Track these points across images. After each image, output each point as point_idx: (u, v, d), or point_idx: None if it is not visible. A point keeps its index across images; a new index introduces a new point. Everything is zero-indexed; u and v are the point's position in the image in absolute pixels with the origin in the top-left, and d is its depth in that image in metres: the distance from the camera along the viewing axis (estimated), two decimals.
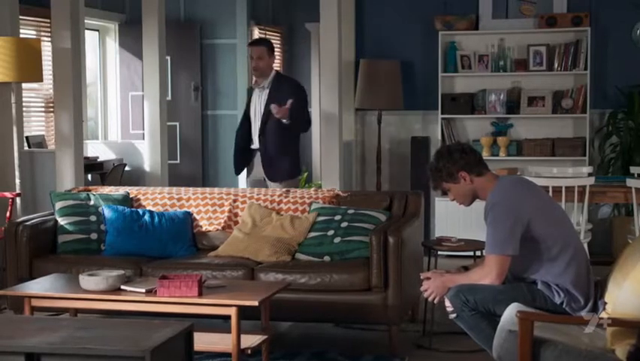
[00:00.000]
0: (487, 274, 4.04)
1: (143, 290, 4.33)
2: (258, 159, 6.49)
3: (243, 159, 6.60)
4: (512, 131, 8.25)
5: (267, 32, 10.15)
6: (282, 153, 6.43)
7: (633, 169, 6.88)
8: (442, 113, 8.17)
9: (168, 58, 8.78)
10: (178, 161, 9.52)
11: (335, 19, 7.67)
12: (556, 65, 8.02)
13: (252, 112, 6.50)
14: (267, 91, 6.40)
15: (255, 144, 6.48)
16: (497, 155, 8.02)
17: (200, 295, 4.25)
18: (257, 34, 9.85)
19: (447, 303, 4.10)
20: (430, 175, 4.28)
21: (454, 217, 7.69)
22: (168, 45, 8.34)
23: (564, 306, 4.00)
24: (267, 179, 6.47)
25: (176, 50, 9.28)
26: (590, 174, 6.80)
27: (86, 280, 4.37)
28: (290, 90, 6.41)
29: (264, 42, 6.67)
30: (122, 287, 4.38)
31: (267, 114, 6.34)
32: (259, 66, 6.41)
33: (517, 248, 3.99)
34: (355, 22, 8.48)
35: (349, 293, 5.00)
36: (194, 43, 9.52)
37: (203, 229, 5.75)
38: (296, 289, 4.95)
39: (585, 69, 7.89)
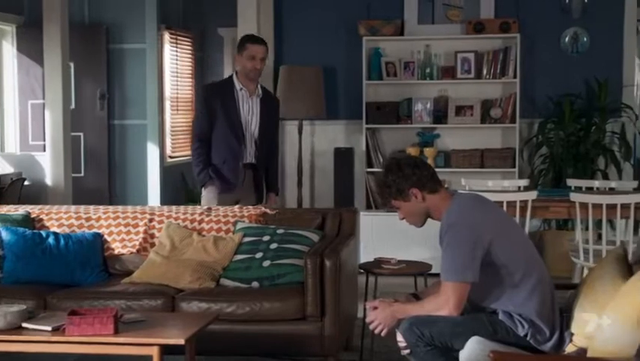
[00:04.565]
0: (443, 304, 3.61)
1: (49, 328, 3.78)
2: (248, 178, 5.67)
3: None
4: (439, 142, 7.91)
5: (178, 37, 9.61)
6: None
7: (570, 182, 6.59)
8: (366, 123, 7.78)
9: (72, 63, 8.24)
10: (82, 174, 8.94)
11: (254, 23, 7.35)
12: (484, 73, 7.71)
13: (243, 120, 5.59)
14: (258, 100, 5.65)
15: (248, 159, 5.63)
16: None
17: (116, 332, 3.72)
18: (167, 39, 9.29)
19: (399, 338, 3.66)
20: (377, 191, 3.85)
21: (380, 233, 7.30)
22: (72, 50, 7.93)
23: (528, 338, 3.60)
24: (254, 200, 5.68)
25: (80, 54, 8.72)
26: (526, 187, 6.50)
27: None
28: (276, 104, 5.88)
29: (265, 41, 5.83)
30: (24, 325, 3.83)
31: (263, 127, 5.64)
32: (261, 69, 5.63)
33: (477, 274, 3.58)
34: (274, 27, 8.01)
35: (282, 323, 4.55)
36: (99, 47, 8.95)
37: (116, 252, 5.18)
38: (222, 320, 4.43)
39: (515, 77, 7.60)
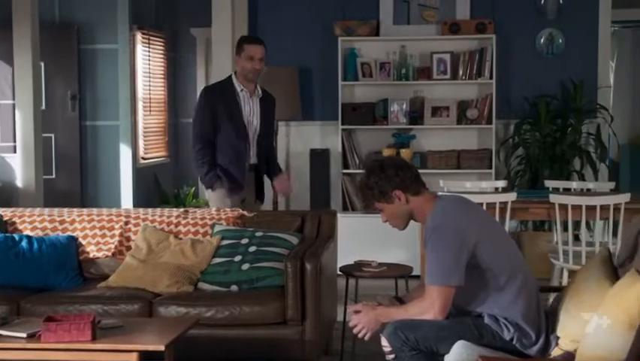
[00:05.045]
0: (428, 308, 3.55)
1: (24, 335, 3.69)
2: (250, 178, 5.66)
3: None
4: (415, 143, 7.87)
5: (151, 37, 9.49)
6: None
7: (548, 183, 6.56)
8: (342, 124, 7.73)
9: (42, 63, 8.06)
10: (54, 176, 8.78)
11: (228, 23, 7.29)
12: (460, 74, 7.68)
13: (246, 121, 5.57)
14: (258, 100, 5.63)
15: (252, 159, 5.63)
16: None
17: (93, 339, 3.64)
18: (140, 39, 9.17)
19: (384, 342, 3.60)
20: (360, 193, 3.79)
21: (357, 235, 7.22)
22: (42, 49, 7.72)
23: (514, 342, 3.56)
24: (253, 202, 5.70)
25: (50, 54, 8.54)
26: (504, 189, 6.47)
27: None
28: (273, 102, 5.81)
29: (263, 41, 5.78)
30: None
31: (263, 126, 5.64)
32: (261, 69, 5.60)
33: (463, 278, 3.53)
34: (249, 27, 7.93)
35: (262, 327, 4.49)
36: (71, 47, 8.78)
37: (91, 255, 5.08)
38: (201, 324, 4.35)
39: (491, 78, 7.58)
